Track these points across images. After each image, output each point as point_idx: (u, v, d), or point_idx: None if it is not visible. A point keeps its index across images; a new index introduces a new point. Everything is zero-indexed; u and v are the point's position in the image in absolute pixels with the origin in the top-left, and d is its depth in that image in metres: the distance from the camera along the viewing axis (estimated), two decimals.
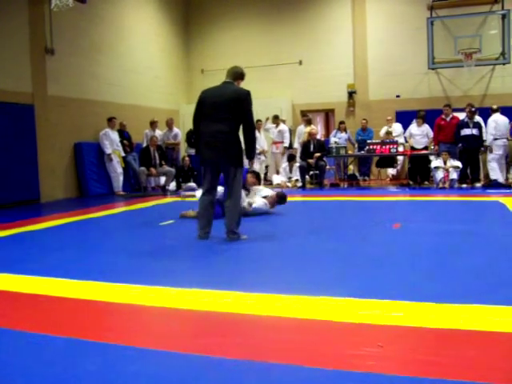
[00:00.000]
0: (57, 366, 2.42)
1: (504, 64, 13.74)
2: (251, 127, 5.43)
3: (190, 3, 17.06)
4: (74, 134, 11.61)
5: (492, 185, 11.02)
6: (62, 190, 11.33)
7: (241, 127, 5.40)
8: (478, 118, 11.68)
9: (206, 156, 5.45)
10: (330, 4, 15.59)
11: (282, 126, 13.58)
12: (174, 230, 6.56)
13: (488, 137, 11.31)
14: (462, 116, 11.85)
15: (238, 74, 5.58)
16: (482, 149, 11.36)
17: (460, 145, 11.30)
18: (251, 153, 5.56)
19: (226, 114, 5.29)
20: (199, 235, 5.58)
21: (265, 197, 7.80)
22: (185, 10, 16.98)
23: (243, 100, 5.31)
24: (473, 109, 11.49)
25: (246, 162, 6.12)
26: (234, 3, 16.40)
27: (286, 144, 13.47)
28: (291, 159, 12.96)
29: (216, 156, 5.36)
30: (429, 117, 12.76)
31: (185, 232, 5.99)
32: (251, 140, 5.43)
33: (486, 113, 11.82)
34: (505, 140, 11.40)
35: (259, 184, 8.39)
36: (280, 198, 7.82)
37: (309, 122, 13.74)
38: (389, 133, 12.89)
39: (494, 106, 11.77)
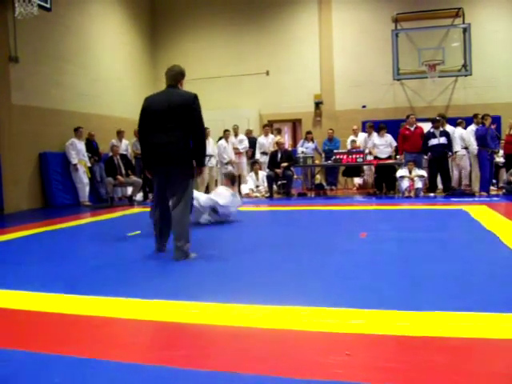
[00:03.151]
0: (20, 381, 2.37)
1: (466, 76, 14.15)
2: (201, 134, 5.03)
3: (156, 13, 17.04)
4: (38, 143, 11.42)
5: (456, 193, 11.25)
6: (26, 201, 11.11)
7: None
8: (447, 128, 11.88)
9: (156, 169, 5.10)
10: (297, 15, 15.78)
11: (241, 136, 13.86)
12: (140, 240, 6.48)
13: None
14: (425, 126, 12.09)
15: (178, 75, 5.18)
16: (450, 153, 11.55)
17: (429, 153, 11.50)
18: (201, 160, 5.15)
19: (173, 123, 4.92)
20: (157, 248, 5.40)
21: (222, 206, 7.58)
22: (151, 20, 16.94)
23: (190, 105, 4.93)
24: (437, 117, 11.75)
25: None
26: (200, 13, 16.45)
27: (241, 149, 13.73)
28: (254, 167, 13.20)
29: (166, 168, 5.00)
30: (394, 127, 12.99)
31: (152, 243, 5.92)
32: (201, 147, 5.05)
33: (450, 123, 12.10)
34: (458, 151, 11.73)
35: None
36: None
37: (278, 132, 13.95)
38: (354, 142, 13.06)
39: (459, 121, 12.18)
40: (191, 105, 4.93)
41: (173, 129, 4.91)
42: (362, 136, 13.71)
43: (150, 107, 5.08)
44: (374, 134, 13.02)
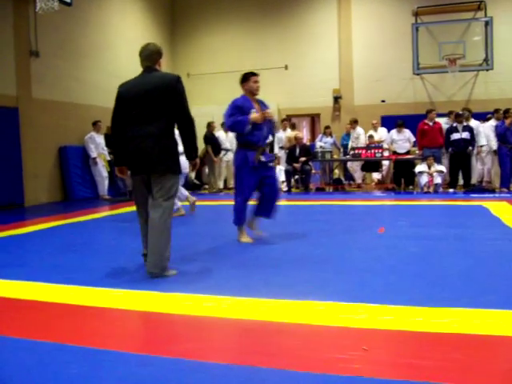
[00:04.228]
0: (37, 371, 2.40)
1: (487, 70, 13.94)
2: (189, 121, 4.26)
3: (175, 7, 17.05)
4: (58, 137, 11.53)
5: (476, 189, 11.13)
6: (46, 194, 11.24)
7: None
8: (471, 122, 11.72)
9: (135, 167, 4.26)
10: (316, 9, 15.67)
11: None
12: None
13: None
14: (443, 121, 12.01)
15: (154, 54, 4.38)
16: (471, 148, 11.38)
17: (450, 149, 11.39)
18: (192, 152, 4.36)
19: (153, 112, 4.16)
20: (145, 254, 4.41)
21: None
22: (171, 14, 16.97)
23: (173, 88, 4.19)
24: (461, 112, 11.62)
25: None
26: (219, 8, 16.42)
27: None
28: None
29: (147, 165, 4.17)
30: (413, 122, 12.86)
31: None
32: (191, 137, 4.29)
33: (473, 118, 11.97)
34: (479, 147, 11.58)
35: None
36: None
37: (293, 127, 13.90)
38: (371, 137, 12.96)
39: (488, 116, 12.02)
40: (174, 88, 4.21)
41: (153, 119, 4.17)
42: (383, 131, 13.59)
43: (127, 95, 4.29)
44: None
